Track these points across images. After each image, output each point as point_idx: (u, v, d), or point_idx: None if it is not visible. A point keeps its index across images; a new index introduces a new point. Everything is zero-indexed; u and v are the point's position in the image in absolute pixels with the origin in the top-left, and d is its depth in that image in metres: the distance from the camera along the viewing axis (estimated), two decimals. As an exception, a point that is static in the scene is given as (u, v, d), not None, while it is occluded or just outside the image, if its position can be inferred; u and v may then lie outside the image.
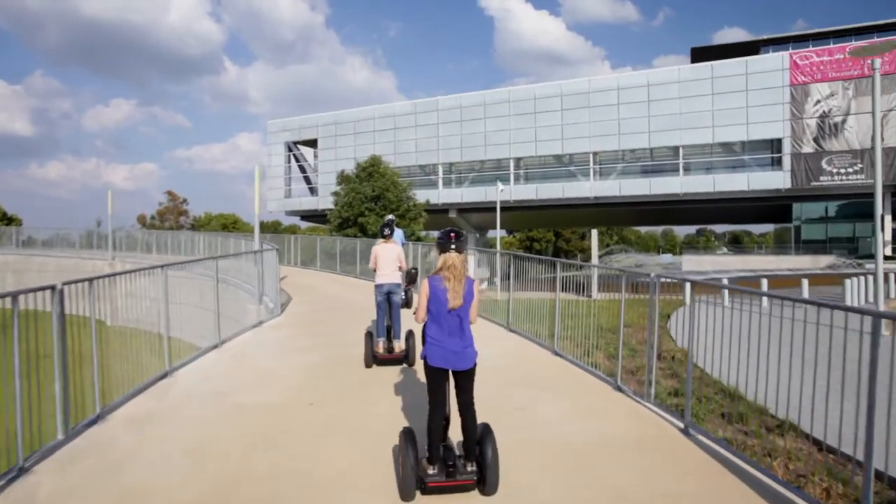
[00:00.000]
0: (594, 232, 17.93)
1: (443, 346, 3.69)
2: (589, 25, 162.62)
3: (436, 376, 3.73)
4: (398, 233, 11.42)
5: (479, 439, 3.69)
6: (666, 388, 6.88)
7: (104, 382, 4.82)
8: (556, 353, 7.06)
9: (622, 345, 5.86)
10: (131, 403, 5.09)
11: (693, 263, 33.78)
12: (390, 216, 10.65)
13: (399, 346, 6.98)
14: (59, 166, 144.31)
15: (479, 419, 3.75)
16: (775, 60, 30.83)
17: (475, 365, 3.77)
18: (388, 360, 6.88)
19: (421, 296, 3.77)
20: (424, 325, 3.79)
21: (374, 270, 7.23)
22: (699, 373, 6.39)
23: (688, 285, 5.45)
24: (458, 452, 3.80)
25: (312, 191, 44.55)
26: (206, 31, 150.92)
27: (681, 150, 32.75)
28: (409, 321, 5.98)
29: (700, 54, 37.88)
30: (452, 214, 39.03)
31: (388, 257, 7.11)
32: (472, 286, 3.75)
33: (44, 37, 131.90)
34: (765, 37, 36.53)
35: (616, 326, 6.68)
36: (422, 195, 31.61)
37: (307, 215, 45.05)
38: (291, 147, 44.82)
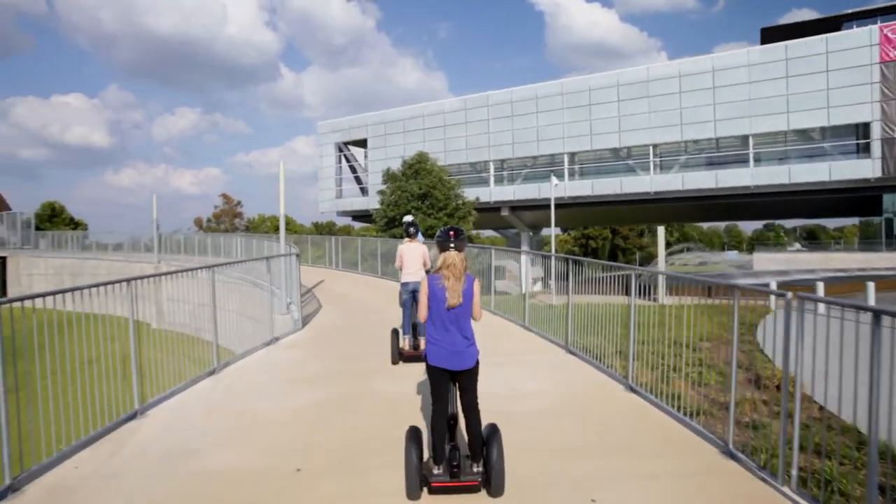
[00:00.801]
0: (661, 230, 16.39)
1: (442, 346, 3.67)
2: (643, 16, 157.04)
3: (437, 376, 3.69)
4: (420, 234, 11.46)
5: (486, 440, 3.65)
6: (776, 430, 5.36)
7: (49, 428, 3.93)
8: (632, 389, 5.69)
9: (704, 366, 4.72)
10: (69, 463, 4.05)
11: (766, 262, 31.14)
12: (409, 217, 10.85)
13: (424, 343, 6.54)
14: (132, 173, 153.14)
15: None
16: (861, 36, 27.90)
17: (477, 364, 3.71)
18: (414, 357, 6.93)
19: (421, 294, 3.76)
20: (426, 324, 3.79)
21: (400, 269, 7.38)
22: (815, 408, 5.04)
23: (820, 285, 4.24)
24: (465, 453, 3.75)
25: (363, 191, 44.41)
26: (263, 41, 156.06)
27: (751, 140, 30.29)
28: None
29: (771, 35, 35.03)
30: (505, 212, 37.86)
31: (414, 256, 7.27)
32: (472, 284, 3.72)
33: (118, 53, 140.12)
34: (847, 11, 33.33)
35: (694, 341, 5.58)
36: (473, 193, 30.65)
37: (358, 215, 44.95)
38: (342, 147, 44.85)
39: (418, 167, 24.24)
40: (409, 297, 7.24)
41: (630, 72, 33.70)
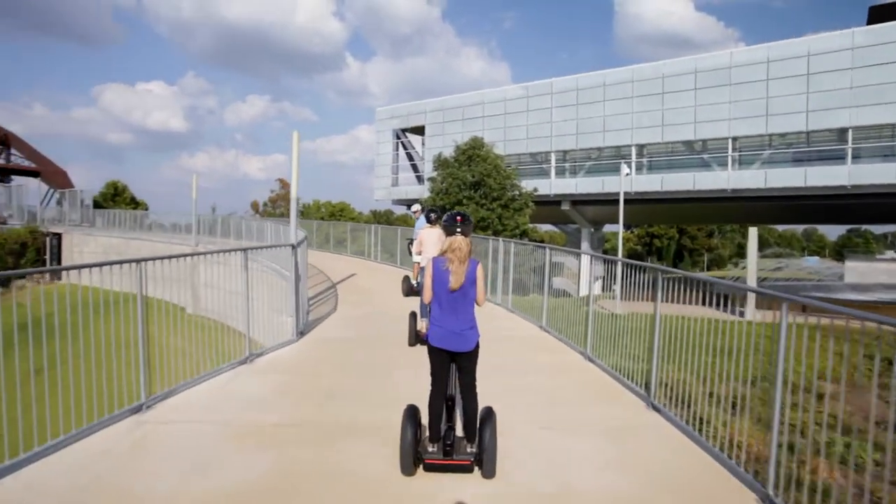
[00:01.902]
0: (753, 231, 14.21)
1: (443, 327, 3.75)
2: (721, 4, 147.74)
3: (436, 356, 3.79)
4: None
5: (481, 422, 3.73)
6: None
7: None
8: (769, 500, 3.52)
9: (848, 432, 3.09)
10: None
11: (860, 272, 27.70)
12: (416, 205, 11.96)
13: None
14: (205, 157, 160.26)
15: None
16: None
17: (477, 347, 3.80)
18: None
19: (426, 276, 3.84)
20: (429, 306, 3.86)
21: (419, 254, 7.80)
22: None
23: None
24: (461, 434, 3.86)
25: (419, 179, 43.41)
26: (331, 30, 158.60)
27: (850, 133, 26.91)
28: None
29: (881, 14, 31.07)
30: (565, 206, 35.87)
31: (433, 241, 7.40)
32: (475, 268, 3.82)
33: (195, 41, 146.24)
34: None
35: (807, 377, 3.91)
36: (532, 185, 28.90)
37: (412, 204, 44.09)
38: (399, 134, 44.02)
39: (472, 153, 22.70)
40: None
41: (710, 58, 30.81)
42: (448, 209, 22.35)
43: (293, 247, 8.38)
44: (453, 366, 3.80)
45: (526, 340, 8.62)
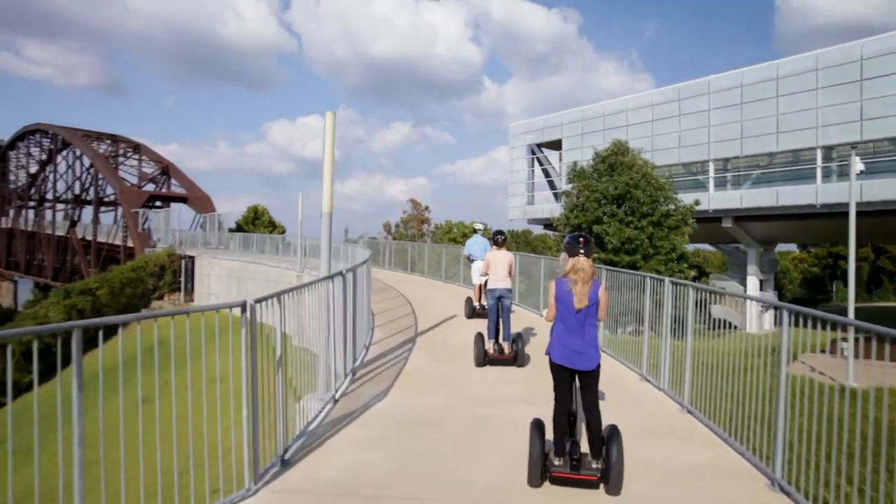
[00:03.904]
0: None
1: (565, 345, 3.98)
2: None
3: (558, 373, 4.05)
4: (485, 242, 11.58)
5: (606, 439, 3.89)
6: None
7: None
8: None
9: None
10: None
11: None
12: (479, 225, 12.91)
13: (508, 347, 7.59)
14: (355, 182, 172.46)
15: None
16: None
17: (598, 366, 4.01)
18: (498, 360, 7.55)
19: (549, 297, 4.13)
20: (552, 325, 4.13)
21: (484, 275, 8.18)
22: None
23: None
24: (585, 449, 4.03)
25: (556, 196, 40.64)
26: (468, 55, 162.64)
27: None
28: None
29: None
30: (727, 223, 30.83)
31: (500, 262, 7.78)
32: (598, 289, 4.04)
33: (346, 77, 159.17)
34: None
35: None
36: (690, 199, 24.83)
37: (549, 224, 41.38)
38: (534, 150, 41.77)
39: (614, 160, 19.53)
40: (495, 303, 7.68)
41: (927, 32, 24.45)
42: (584, 229, 19.52)
43: (339, 276, 5.74)
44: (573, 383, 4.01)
45: (636, 410, 5.88)
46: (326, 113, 5.88)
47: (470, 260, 12.36)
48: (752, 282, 32.58)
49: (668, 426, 5.48)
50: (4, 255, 60.55)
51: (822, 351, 9.77)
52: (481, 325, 8.33)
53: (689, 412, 5.76)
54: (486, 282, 8.34)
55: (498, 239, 8.09)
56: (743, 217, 30.54)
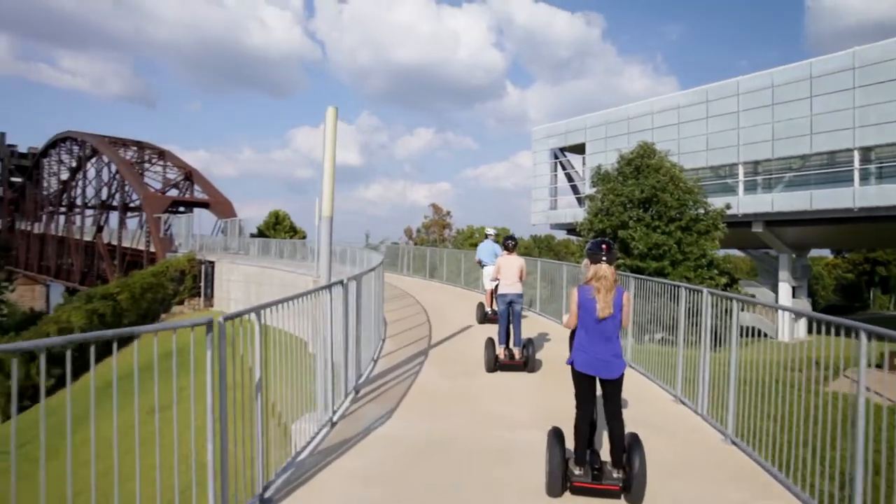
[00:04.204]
0: None
1: (588, 353, 3.89)
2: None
3: (581, 381, 3.96)
4: (496, 247, 11.56)
5: (628, 448, 3.79)
6: None
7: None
8: None
9: None
10: None
11: None
12: (491, 229, 12.39)
13: (519, 352, 7.51)
14: (378, 188, 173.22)
15: None
16: None
17: (622, 376, 3.91)
18: (509, 365, 7.43)
19: (571, 304, 4.02)
20: (572, 332, 4.09)
21: (494, 280, 8.38)
22: None
23: None
24: (605, 458, 3.96)
25: (579, 201, 39.83)
26: (491, 61, 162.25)
27: None
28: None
29: None
30: (757, 228, 29.73)
31: (511, 267, 7.82)
32: (622, 296, 3.93)
33: (370, 84, 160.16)
34: None
35: None
36: (720, 202, 23.86)
37: (573, 229, 40.57)
38: (557, 154, 41.07)
39: (640, 163, 18.81)
40: (506, 308, 7.63)
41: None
42: (609, 234, 18.81)
43: (339, 285, 5.23)
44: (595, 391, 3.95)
45: (670, 439, 5.20)
46: (328, 108, 5.47)
47: (481, 265, 12.35)
48: (785, 288, 31.28)
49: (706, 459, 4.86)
50: (37, 260, 62.04)
51: (878, 366, 9.00)
52: (494, 330, 8.11)
53: (734, 443, 5.11)
54: (496, 287, 8.41)
55: (508, 244, 8.14)
56: (774, 221, 29.39)
